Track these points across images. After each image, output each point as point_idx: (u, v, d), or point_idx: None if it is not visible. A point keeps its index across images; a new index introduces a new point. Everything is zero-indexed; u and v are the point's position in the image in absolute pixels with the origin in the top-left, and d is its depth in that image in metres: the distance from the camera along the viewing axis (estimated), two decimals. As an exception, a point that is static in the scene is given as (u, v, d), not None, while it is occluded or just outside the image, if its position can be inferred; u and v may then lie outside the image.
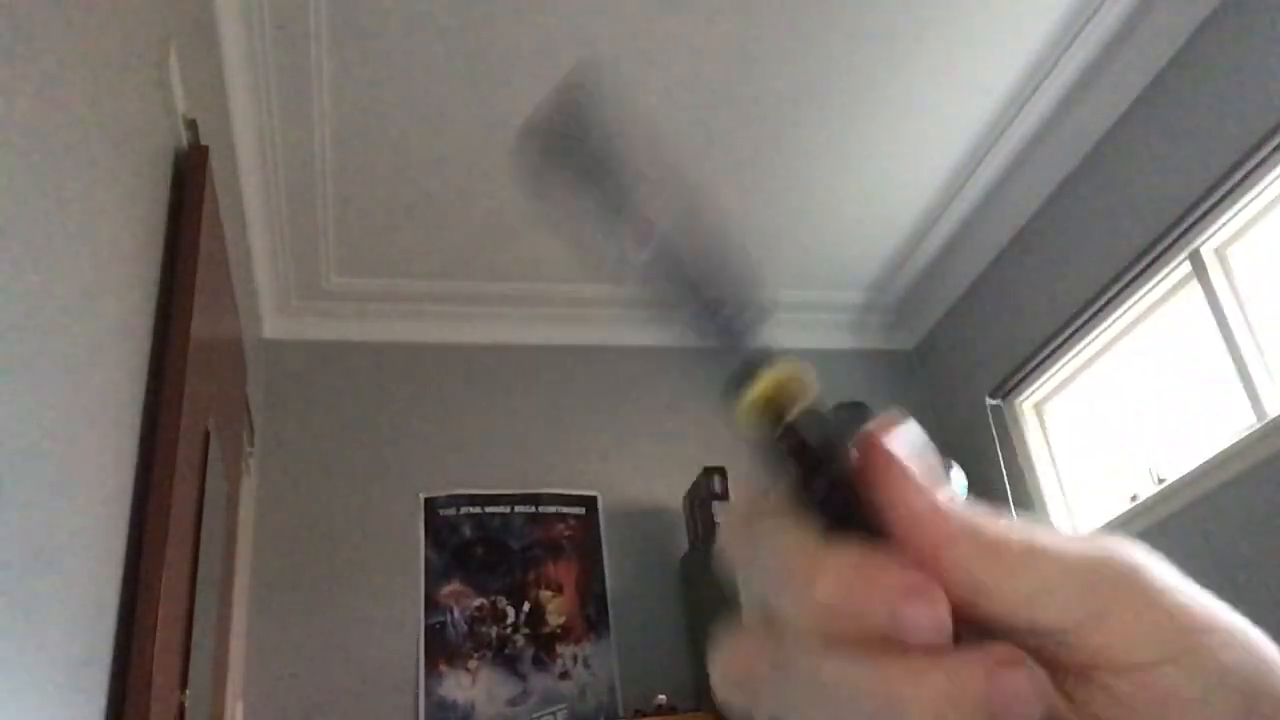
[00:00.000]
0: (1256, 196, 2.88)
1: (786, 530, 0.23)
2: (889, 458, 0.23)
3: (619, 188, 0.21)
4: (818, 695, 0.23)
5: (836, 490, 0.23)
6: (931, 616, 0.21)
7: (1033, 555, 0.23)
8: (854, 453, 0.23)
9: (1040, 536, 0.23)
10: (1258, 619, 0.24)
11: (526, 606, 3.72)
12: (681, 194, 0.21)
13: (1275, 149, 2.76)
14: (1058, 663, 0.22)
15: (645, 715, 3.44)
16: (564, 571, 3.81)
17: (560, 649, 3.67)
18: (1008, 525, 0.23)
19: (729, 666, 0.25)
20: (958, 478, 3.82)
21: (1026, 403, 3.87)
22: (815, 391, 0.22)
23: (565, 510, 3.89)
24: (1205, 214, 3.00)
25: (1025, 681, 0.21)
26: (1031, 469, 3.79)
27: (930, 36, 3.12)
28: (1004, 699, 0.21)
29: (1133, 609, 0.22)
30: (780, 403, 0.22)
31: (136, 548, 1.69)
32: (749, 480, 0.24)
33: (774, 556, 0.23)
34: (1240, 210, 2.94)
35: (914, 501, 0.23)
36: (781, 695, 0.24)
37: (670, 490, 3.87)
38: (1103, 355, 3.55)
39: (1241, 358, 2.91)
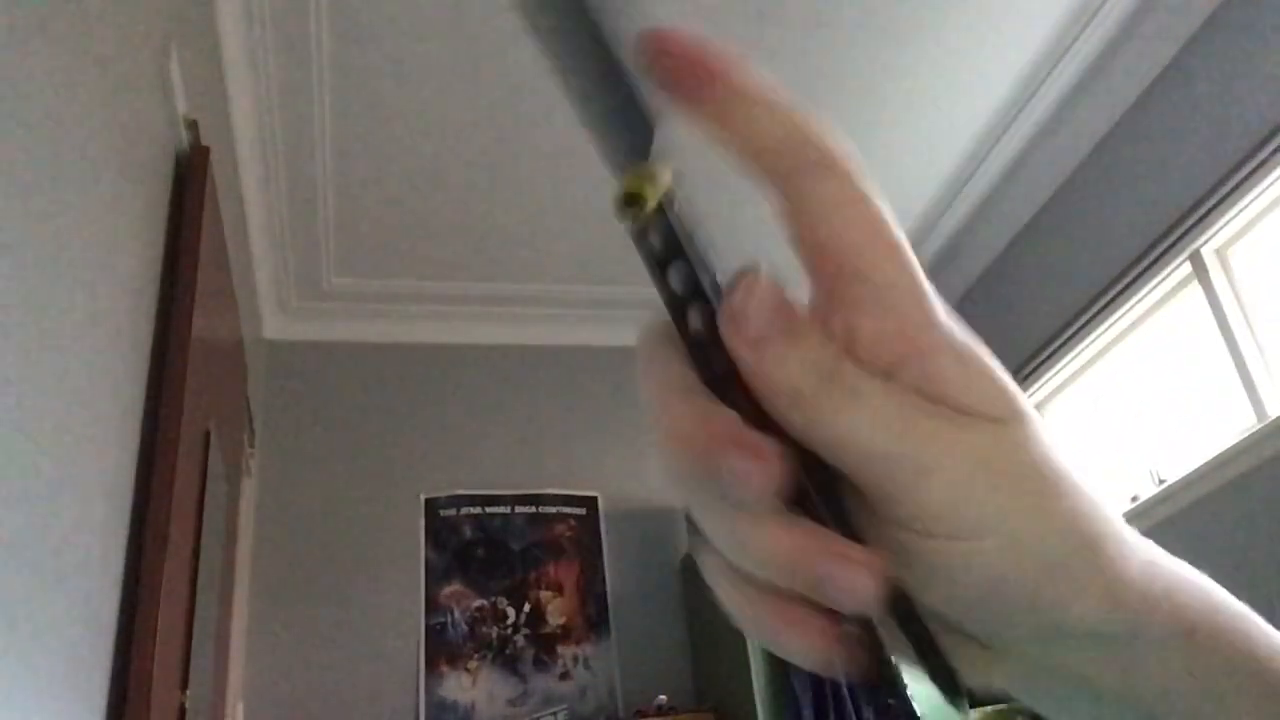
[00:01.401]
0: (1257, 197, 2.88)
1: (659, 362, 0.24)
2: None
3: None
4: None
5: (689, 282, 0.22)
6: (756, 471, 0.22)
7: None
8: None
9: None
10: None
11: (527, 607, 3.72)
12: None
13: (1275, 150, 2.76)
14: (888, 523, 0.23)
15: (645, 715, 3.44)
16: (564, 572, 3.81)
17: (561, 649, 3.67)
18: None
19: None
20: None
21: (1027, 403, 3.86)
22: (668, 191, 0.21)
23: (566, 511, 3.89)
24: (1206, 215, 2.99)
25: (862, 577, 0.22)
26: (1032, 470, 3.78)
27: (931, 37, 3.12)
28: (840, 586, 0.22)
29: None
30: (641, 198, 0.22)
31: (136, 548, 1.69)
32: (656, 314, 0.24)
33: (644, 393, 0.24)
34: (1241, 211, 2.94)
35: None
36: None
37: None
38: (1103, 356, 3.54)
39: (1242, 358, 2.91)
